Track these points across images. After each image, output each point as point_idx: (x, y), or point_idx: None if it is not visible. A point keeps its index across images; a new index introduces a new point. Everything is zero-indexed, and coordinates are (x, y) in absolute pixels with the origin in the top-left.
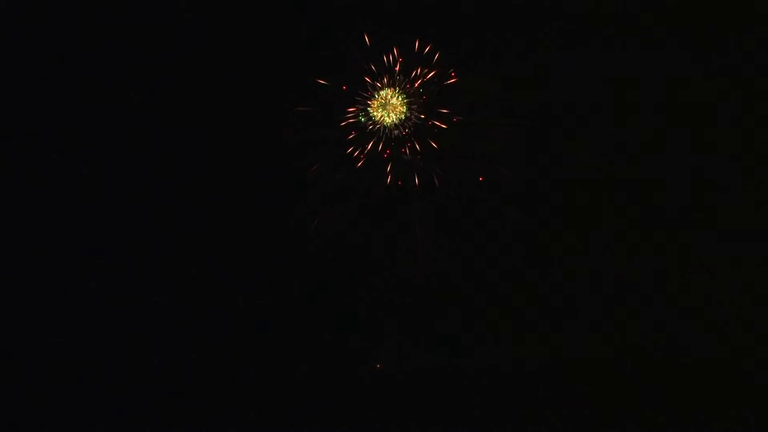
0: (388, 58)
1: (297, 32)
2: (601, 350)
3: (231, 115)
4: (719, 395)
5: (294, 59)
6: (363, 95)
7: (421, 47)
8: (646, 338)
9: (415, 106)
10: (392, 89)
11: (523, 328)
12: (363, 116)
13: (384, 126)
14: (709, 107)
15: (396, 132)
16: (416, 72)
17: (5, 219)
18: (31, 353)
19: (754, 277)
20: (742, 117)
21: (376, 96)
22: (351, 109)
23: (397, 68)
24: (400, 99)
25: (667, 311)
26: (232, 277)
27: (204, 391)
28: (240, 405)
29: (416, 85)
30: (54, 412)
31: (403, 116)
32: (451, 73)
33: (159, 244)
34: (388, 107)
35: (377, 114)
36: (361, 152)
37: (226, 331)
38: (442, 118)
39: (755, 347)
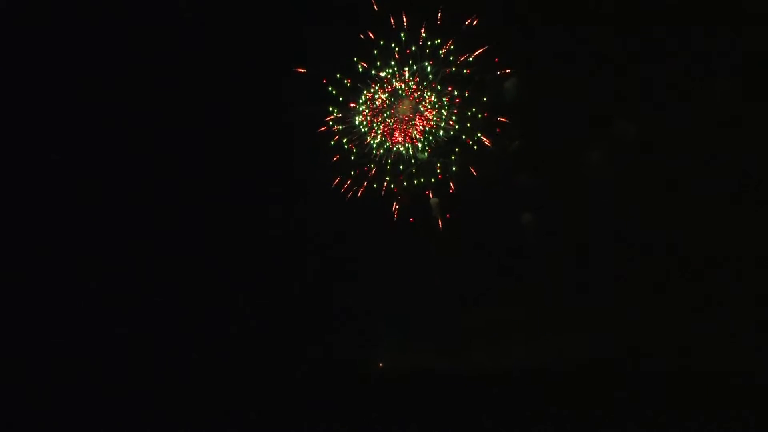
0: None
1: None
2: (603, 352)
3: (231, 115)
4: (719, 396)
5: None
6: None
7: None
8: (646, 340)
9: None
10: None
11: (524, 331)
12: (362, 124)
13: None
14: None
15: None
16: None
17: (5, 219)
18: (31, 353)
19: (753, 277)
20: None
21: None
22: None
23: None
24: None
25: (666, 313)
26: (232, 277)
27: (204, 391)
28: (240, 405)
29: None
30: (54, 412)
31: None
32: (495, 61)
33: (159, 244)
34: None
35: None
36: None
37: (226, 331)
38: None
39: (755, 348)
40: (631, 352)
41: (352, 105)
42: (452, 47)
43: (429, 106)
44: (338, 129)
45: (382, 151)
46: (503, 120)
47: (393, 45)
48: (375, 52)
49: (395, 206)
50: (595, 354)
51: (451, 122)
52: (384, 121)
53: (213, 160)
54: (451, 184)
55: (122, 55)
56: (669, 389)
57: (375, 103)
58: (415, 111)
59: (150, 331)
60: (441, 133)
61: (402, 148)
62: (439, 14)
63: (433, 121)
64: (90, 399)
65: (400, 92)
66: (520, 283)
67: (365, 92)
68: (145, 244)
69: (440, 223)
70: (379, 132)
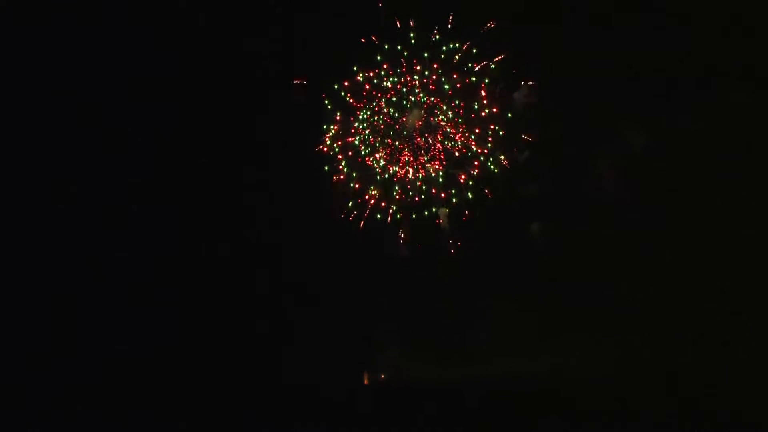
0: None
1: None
2: (602, 358)
3: (219, 130)
4: (717, 396)
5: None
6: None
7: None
8: (646, 345)
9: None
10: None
11: (525, 340)
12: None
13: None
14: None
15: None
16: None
17: (5, 220)
18: (31, 354)
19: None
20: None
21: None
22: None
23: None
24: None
25: (664, 320)
26: (233, 282)
27: (204, 395)
28: (240, 415)
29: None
30: (53, 412)
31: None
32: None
33: (159, 245)
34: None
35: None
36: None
37: (228, 338)
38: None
39: (752, 349)
40: (634, 364)
41: (338, 117)
42: (473, 51)
43: (444, 122)
44: (335, 149)
45: (387, 175)
46: (528, 138)
47: (399, 47)
48: (378, 58)
49: (401, 233)
50: (599, 365)
51: (471, 141)
52: (388, 137)
53: (218, 162)
54: (466, 211)
55: (111, 58)
56: (669, 391)
57: (379, 119)
58: (428, 128)
59: (150, 332)
60: (456, 153)
61: (411, 172)
62: (450, 18)
63: (451, 141)
64: (89, 399)
65: (407, 105)
66: (523, 292)
67: (367, 106)
68: (146, 245)
69: (452, 249)
70: (381, 154)
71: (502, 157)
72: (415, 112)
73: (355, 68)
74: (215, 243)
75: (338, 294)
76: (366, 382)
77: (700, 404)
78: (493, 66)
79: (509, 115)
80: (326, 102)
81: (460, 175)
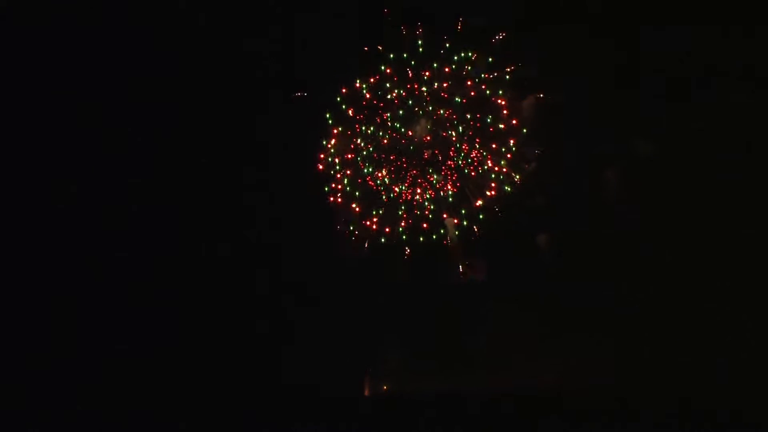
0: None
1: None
2: (602, 359)
3: (212, 144)
4: (717, 396)
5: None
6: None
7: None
8: (646, 345)
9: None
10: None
11: (525, 341)
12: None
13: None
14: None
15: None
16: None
17: (5, 220)
18: (31, 354)
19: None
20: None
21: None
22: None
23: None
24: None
25: (664, 320)
26: (233, 282)
27: (204, 395)
28: (240, 415)
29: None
30: (53, 412)
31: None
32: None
33: (159, 245)
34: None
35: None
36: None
37: (228, 338)
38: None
39: (753, 349)
40: (634, 364)
41: (335, 131)
42: (490, 60)
43: (455, 136)
44: (336, 166)
45: (392, 195)
46: (539, 151)
47: (405, 55)
48: (383, 67)
49: (407, 252)
50: (599, 365)
51: (489, 156)
52: (393, 154)
53: (220, 164)
54: (475, 228)
55: (111, 58)
56: (669, 392)
57: (384, 134)
58: (439, 145)
59: (149, 332)
60: (472, 173)
61: (419, 192)
62: (460, 25)
63: (463, 157)
64: (88, 399)
65: (414, 118)
66: (523, 292)
67: (370, 118)
68: (146, 246)
69: (461, 271)
70: (385, 173)
71: (517, 177)
72: (422, 125)
73: (358, 81)
74: (215, 243)
75: (338, 294)
76: (367, 393)
77: (700, 404)
78: (507, 77)
79: (524, 131)
80: (327, 116)
81: (476, 202)
